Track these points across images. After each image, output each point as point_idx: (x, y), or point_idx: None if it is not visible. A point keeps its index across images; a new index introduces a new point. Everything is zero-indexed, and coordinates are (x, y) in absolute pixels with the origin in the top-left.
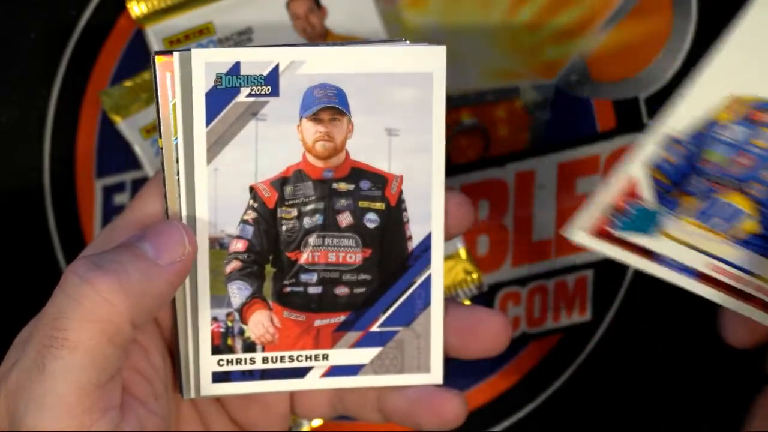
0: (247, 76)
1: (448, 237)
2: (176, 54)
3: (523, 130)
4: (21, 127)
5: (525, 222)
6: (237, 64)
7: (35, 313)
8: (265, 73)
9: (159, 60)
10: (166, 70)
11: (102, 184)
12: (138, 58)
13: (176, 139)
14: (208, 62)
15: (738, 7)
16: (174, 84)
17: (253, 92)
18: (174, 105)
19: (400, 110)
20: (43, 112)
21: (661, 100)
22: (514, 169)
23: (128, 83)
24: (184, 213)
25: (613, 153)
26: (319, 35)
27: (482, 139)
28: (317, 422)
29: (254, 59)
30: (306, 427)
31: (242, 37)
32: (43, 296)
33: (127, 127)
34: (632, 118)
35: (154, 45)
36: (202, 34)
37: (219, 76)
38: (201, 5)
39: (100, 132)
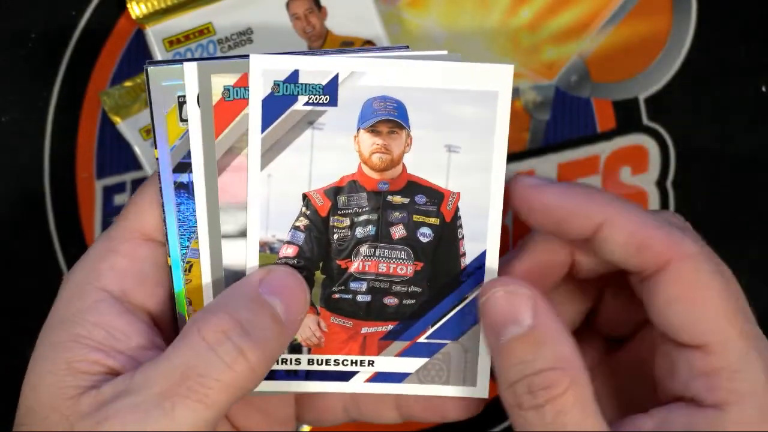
0: (306, 84)
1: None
2: (197, 65)
3: (523, 130)
4: (21, 127)
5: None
6: (295, 72)
7: (35, 313)
8: (324, 83)
9: (151, 71)
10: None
11: (102, 184)
12: (138, 58)
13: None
14: (266, 69)
15: (738, 7)
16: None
17: (310, 101)
18: (172, 112)
19: (462, 127)
20: (43, 112)
21: (661, 100)
22: (514, 169)
23: (128, 83)
24: (203, 220)
25: (613, 153)
26: (319, 35)
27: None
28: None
29: (313, 68)
30: (306, 427)
31: (242, 38)
32: (43, 296)
33: (127, 128)
34: (632, 118)
35: (154, 45)
36: (202, 35)
37: (276, 84)
38: (201, 5)
39: (100, 132)
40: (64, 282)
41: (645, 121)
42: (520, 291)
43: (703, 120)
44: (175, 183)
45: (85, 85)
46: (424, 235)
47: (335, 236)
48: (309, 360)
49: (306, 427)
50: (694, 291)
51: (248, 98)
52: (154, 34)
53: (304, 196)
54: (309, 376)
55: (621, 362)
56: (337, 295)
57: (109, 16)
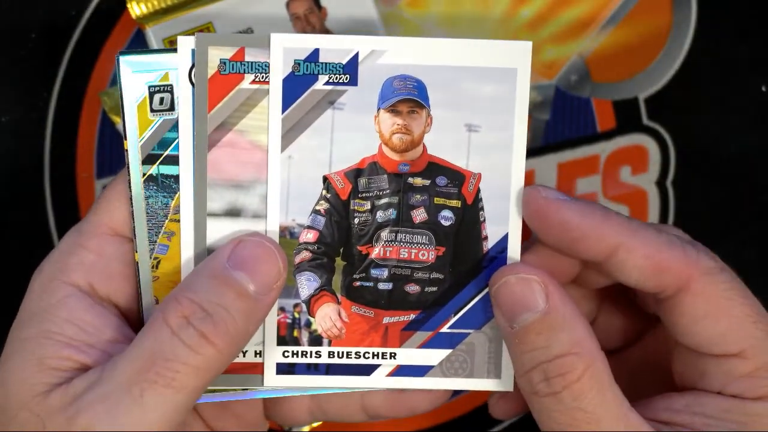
0: (326, 63)
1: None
2: (195, 36)
3: None
4: (21, 127)
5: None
6: (316, 51)
7: None
8: (344, 62)
9: (123, 59)
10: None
11: (102, 184)
12: None
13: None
14: (286, 47)
15: (738, 6)
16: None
17: (331, 80)
18: (143, 103)
19: (481, 106)
20: (43, 112)
21: (661, 100)
22: None
23: None
24: (187, 200)
25: (613, 153)
26: None
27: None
28: (317, 422)
29: (334, 47)
30: (306, 427)
31: None
32: None
33: None
34: (632, 118)
35: (154, 45)
36: None
37: (297, 63)
38: (201, 5)
39: (100, 132)
40: (33, 277)
41: (645, 121)
42: (531, 277)
43: (703, 120)
44: (144, 176)
45: (85, 85)
46: (446, 218)
47: (356, 220)
48: (330, 353)
49: (306, 428)
50: (718, 305)
51: (243, 73)
52: (154, 34)
53: (325, 179)
54: (330, 370)
55: (621, 366)
56: (358, 283)
57: (109, 16)
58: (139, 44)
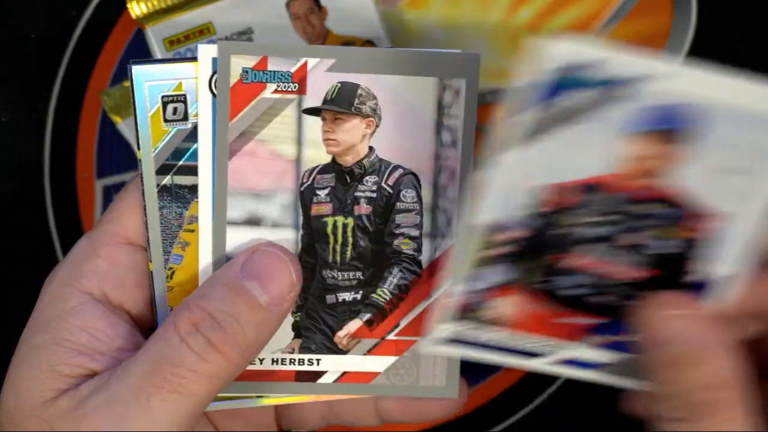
0: (601, 80)
1: None
2: (217, 45)
3: None
4: (21, 127)
5: None
6: (597, 61)
7: None
8: (609, 77)
9: (135, 69)
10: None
11: (102, 184)
12: (138, 58)
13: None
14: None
15: (738, 7)
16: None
17: (581, 96)
18: (156, 113)
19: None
20: (43, 112)
21: None
22: None
23: (128, 83)
24: (206, 208)
25: None
26: (319, 35)
27: (482, 140)
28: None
29: (282, 56)
30: None
31: (242, 38)
32: None
33: (127, 128)
34: None
35: (154, 45)
36: (202, 34)
37: (245, 71)
38: (201, 5)
39: (100, 132)
40: (46, 283)
41: None
42: (680, 309)
43: None
44: (158, 186)
45: (85, 85)
46: (660, 247)
47: (559, 231)
48: (507, 335)
49: None
50: None
51: (266, 82)
52: (154, 34)
53: (539, 187)
54: (500, 350)
55: None
56: (546, 285)
57: (109, 16)
58: (139, 44)
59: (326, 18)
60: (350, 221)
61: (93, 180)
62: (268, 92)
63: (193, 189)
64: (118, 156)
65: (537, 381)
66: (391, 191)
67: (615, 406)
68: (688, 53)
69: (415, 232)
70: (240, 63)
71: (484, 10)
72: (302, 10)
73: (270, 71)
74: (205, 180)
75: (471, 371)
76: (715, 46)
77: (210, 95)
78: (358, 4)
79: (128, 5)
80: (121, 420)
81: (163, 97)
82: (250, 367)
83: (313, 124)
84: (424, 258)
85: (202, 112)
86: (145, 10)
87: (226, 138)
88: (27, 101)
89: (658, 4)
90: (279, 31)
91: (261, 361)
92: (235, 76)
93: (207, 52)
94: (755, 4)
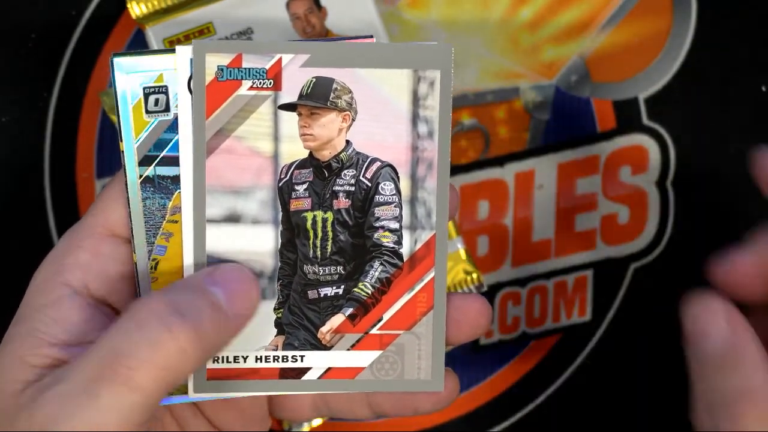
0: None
1: None
2: (192, 44)
3: (522, 130)
4: (21, 127)
5: (525, 222)
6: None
7: None
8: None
9: (116, 60)
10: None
11: (102, 184)
12: None
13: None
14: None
15: (738, 7)
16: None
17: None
18: (138, 104)
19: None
20: (43, 112)
21: (661, 100)
22: (514, 169)
23: None
24: (188, 207)
25: (613, 153)
26: (319, 35)
27: (482, 140)
28: (317, 422)
29: (255, 52)
30: (306, 427)
31: (242, 37)
32: None
33: None
34: (632, 118)
35: (154, 45)
36: (202, 34)
37: (220, 69)
38: (201, 5)
39: (100, 132)
40: (32, 278)
41: (645, 121)
42: (713, 305)
43: (703, 120)
44: (140, 177)
45: (85, 85)
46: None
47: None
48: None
49: (306, 427)
50: None
51: (241, 79)
52: (154, 34)
53: None
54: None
55: None
56: None
57: (109, 17)
58: (139, 44)
59: (326, 18)
60: (330, 216)
61: (93, 180)
62: (244, 89)
63: (176, 180)
64: (118, 156)
65: (537, 381)
66: (369, 184)
67: (615, 407)
68: (688, 53)
69: (395, 225)
70: (215, 61)
71: (484, 10)
72: (302, 10)
73: (245, 68)
74: (186, 179)
75: (471, 371)
76: (715, 46)
77: (189, 95)
78: (358, 4)
79: (128, 5)
80: (68, 415)
81: (144, 88)
82: (234, 366)
83: (290, 119)
84: (405, 250)
85: (182, 112)
86: (145, 10)
87: (204, 137)
88: (27, 101)
89: (658, 4)
90: (279, 31)
91: (245, 359)
92: (210, 75)
93: (184, 53)
94: (755, 4)
